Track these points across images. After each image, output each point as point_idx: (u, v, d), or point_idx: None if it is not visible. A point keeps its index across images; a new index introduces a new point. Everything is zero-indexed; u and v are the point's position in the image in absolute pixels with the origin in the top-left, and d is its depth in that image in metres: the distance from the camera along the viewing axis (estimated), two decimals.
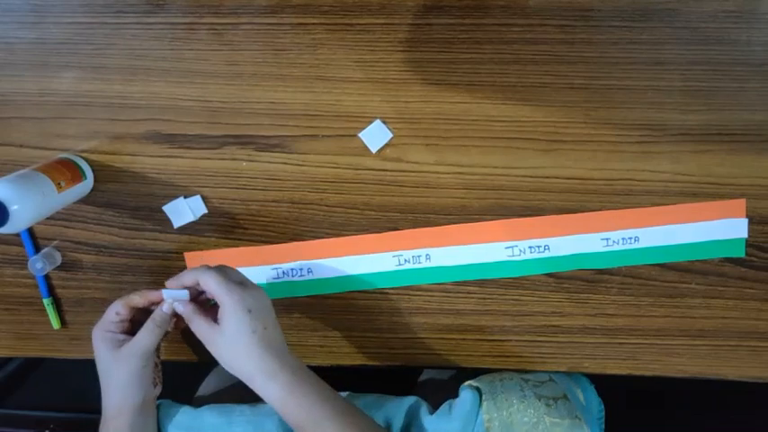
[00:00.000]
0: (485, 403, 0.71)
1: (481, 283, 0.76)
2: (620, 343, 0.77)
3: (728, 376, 0.77)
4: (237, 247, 0.76)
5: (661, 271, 0.74)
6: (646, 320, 0.76)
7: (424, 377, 0.90)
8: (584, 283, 0.75)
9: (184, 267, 0.77)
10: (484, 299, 0.76)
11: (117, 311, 0.68)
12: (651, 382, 0.79)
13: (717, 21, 0.66)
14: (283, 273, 0.76)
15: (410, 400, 0.73)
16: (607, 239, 0.73)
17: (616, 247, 0.73)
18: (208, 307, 0.68)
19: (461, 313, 0.77)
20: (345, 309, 0.77)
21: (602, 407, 0.77)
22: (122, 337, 0.68)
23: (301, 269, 0.76)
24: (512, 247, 0.74)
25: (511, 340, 0.78)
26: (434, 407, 0.73)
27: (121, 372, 0.68)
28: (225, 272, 0.65)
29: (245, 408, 0.72)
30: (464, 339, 0.78)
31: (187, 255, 0.76)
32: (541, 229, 0.73)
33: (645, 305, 0.75)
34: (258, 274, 0.76)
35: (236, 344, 0.63)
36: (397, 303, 0.77)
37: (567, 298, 0.76)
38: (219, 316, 0.63)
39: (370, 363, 0.79)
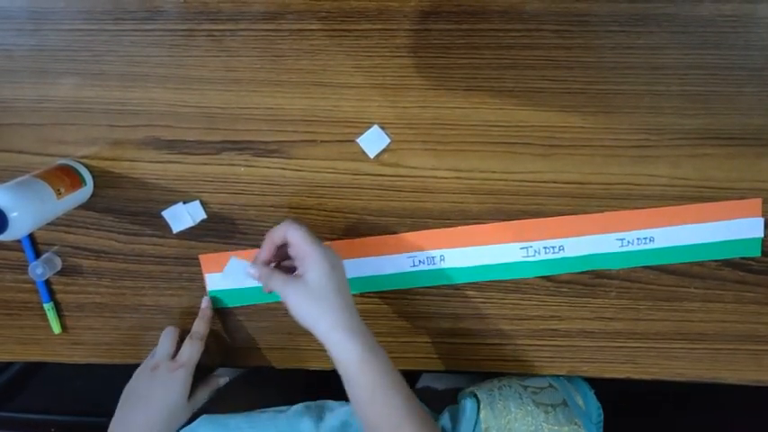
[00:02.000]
0: (483, 411, 0.71)
1: (480, 286, 0.76)
2: (618, 346, 0.77)
3: (727, 380, 0.77)
4: (235, 251, 0.76)
5: (659, 275, 0.74)
6: (644, 324, 0.76)
7: (420, 384, 0.90)
8: (583, 287, 0.75)
9: (184, 272, 0.77)
10: (483, 303, 0.76)
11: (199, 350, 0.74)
12: (650, 386, 0.79)
13: (714, 25, 0.66)
14: None
15: None
16: (622, 240, 0.73)
17: (631, 248, 0.73)
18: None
19: (461, 317, 0.77)
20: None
21: (601, 412, 0.77)
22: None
23: None
24: (526, 247, 0.74)
25: (510, 344, 0.78)
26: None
27: (180, 395, 0.72)
28: (307, 229, 0.65)
29: (240, 420, 0.72)
30: (463, 343, 0.78)
31: (202, 257, 0.77)
32: (555, 230, 0.73)
33: (644, 309, 0.75)
34: None
35: (319, 295, 0.63)
36: (396, 307, 0.77)
37: (566, 302, 0.76)
38: (302, 269, 0.64)
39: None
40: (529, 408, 0.71)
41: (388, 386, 0.62)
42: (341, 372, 0.63)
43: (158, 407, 0.71)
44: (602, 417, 0.76)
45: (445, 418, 0.72)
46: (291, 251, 0.66)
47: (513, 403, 0.72)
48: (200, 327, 0.76)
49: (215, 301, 0.77)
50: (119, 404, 0.73)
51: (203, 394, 0.76)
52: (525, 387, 0.75)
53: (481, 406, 0.71)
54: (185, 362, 0.73)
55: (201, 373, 0.76)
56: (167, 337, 0.76)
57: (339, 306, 0.63)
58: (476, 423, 0.70)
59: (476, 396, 0.73)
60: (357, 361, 0.62)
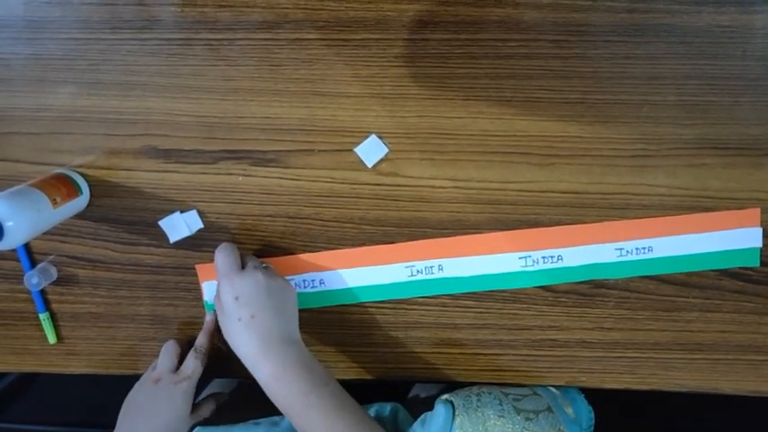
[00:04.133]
0: (458, 418, 0.69)
1: (478, 296, 0.75)
2: (617, 357, 0.77)
3: (726, 390, 0.77)
4: None
5: (658, 285, 0.74)
6: (643, 334, 0.76)
7: (412, 393, 0.89)
8: (582, 297, 0.75)
9: (180, 282, 0.77)
10: (481, 313, 0.76)
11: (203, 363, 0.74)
12: (647, 396, 0.78)
13: (712, 36, 0.66)
14: (295, 284, 0.76)
15: (391, 405, 0.74)
16: (620, 249, 0.73)
17: (629, 258, 0.73)
18: None
19: (458, 327, 0.77)
20: (340, 323, 0.77)
21: (593, 416, 0.76)
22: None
23: (313, 280, 0.76)
24: (525, 257, 0.74)
25: (508, 354, 0.77)
26: None
27: (183, 408, 0.72)
28: (230, 255, 0.69)
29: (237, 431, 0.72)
30: (461, 354, 0.78)
31: (198, 267, 0.76)
32: (554, 240, 0.73)
33: (642, 319, 0.75)
34: None
35: (225, 327, 0.67)
36: (393, 317, 0.77)
37: (565, 312, 0.76)
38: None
39: (366, 377, 0.79)
40: (509, 414, 0.70)
41: (301, 410, 0.63)
42: None
43: (161, 420, 0.71)
44: (593, 421, 0.76)
45: (419, 424, 0.71)
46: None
47: (492, 410, 0.70)
48: (204, 340, 0.75)
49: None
50: (119, 416, 0.72)
51: (207, 409, 0.76)
52: (506, 394, 0.74)
53: (457, 413, 0.70)
54: (189, 375, 0.72)
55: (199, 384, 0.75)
56: (169, 351, 0.75)
57: (243, 339, 0.66)
58: (450, 429, 0.69)
59: (451, 402, 0.72)
60: (266, 389, 0.65)
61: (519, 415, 0.69)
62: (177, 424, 0.71)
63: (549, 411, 0.72)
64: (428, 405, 0.73)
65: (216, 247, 0.74)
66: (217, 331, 0.75)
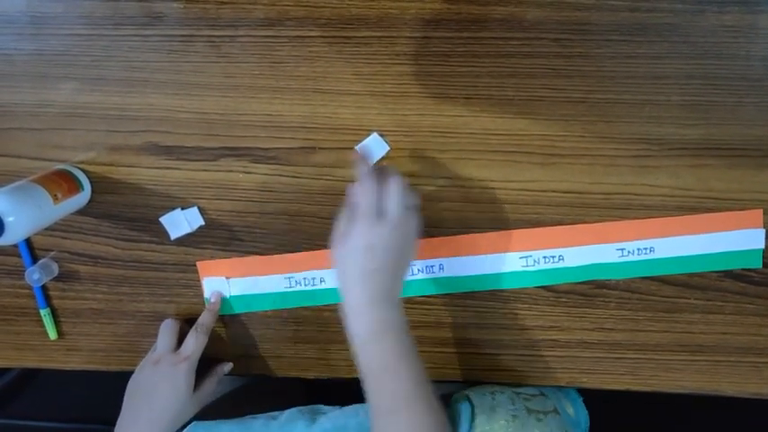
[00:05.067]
0: (477, 417, 0.70)
1: (479, 296, 0.75)
2: (618, 358, 0.76)
3: (727, 392, 0.76)
4: (232, 258, 0.75)
5: (660, 286, 0.74)
6: (644, 335, 0.75)
7: None
8: (583, 298, 0.75)
9: (181, 278, 0.77)
10: (481, 312, 0.76)
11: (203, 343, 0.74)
12: (642, 395, 0.78)
13: (716, 35, 0.66)
14: (296, 282, 0.76)
15: None
16: (622, 250, 0.73)
17: (631, 258, 0.73)
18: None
19: (459, 326, 0.77)
20: (341, 321, 0.77)
21: (588, 419, 0.76)
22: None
23: (314, 278, 0.76)
24: (526, 257, 0.74)
25: (508, 354, 0.77)
26: None
27: (184, 388, 0.71)
28: (373, 194, 0.63)
29: (232, 426, 0.72)
30: (461, 353, 0.77)
31: (199, 263, 0.76)
32: (555, 240, 0.73)
33: (643, 320, 0.75)
34: (271, 283, 0.76)
35: (343, 267, 0.63)
36: None
37: (566, 312, 0.75)
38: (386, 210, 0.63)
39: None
40: (521, 414, 0.70)
41: (390, 369, 0.60)
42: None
43: (163, 401, 0.71)
44: (589, 423, 0.76)
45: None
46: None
47: (506, 409, 0.71)
48: (206, 319, 0.75)
49: None
50: (124, 400, 0.73)
51: (209, 385, 0.75)
52: (518, 393, 0.75)
53: (477, 411, 0.71)
54: (189, 355, 0.72)
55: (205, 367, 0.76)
56: (167, 330, 0.75)
57: (356, 288, 0.62)
58: (470, 427, 0.69)
59: (469, 400, 0.72)
60: (354, 343, 0.62)
61: (530, 415, 0.70)
62: (179, 404, 0.71)
63: (556, 413, 0.72)
64: None
65: (217, 245, 0.74)
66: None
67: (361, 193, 0.63)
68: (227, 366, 0.78)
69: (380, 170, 0.66)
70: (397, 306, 0.63)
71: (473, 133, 0.70)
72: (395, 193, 0.63)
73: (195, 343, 0.73)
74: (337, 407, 0.74)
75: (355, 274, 0.62)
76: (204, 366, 0.75)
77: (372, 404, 0.60)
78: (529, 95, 0.69)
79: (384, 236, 0.62)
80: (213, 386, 0.76)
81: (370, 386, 0.61)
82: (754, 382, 0.76)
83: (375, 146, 0.70)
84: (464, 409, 0.71)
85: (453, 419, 0.71)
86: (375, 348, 0.61)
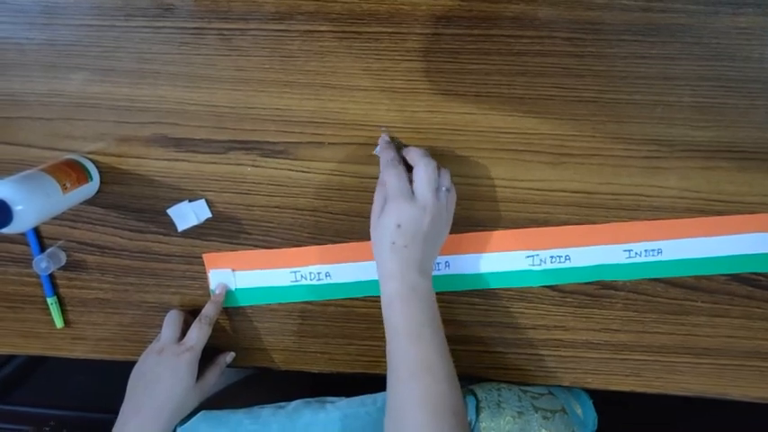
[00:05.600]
0: (483, 411, 0.70)
1: (484, 294, 0.75)
2: (623, 359, 0.76)
3: (732, 396, 0.76)
4: (239, 251, 0.76)
5: (666, 287, 0.73)
6: (650, 337, 0.75)
7: None
8: (589, 298, 0.75)
9: (187, 270, 0.77)
10: (487, 310, 0.76)
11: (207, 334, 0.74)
12: (647, 398, 0.78)
13: (729, 37, 0.65)
14: (302, 276, 0.76)
15: None
16: (629, 251, 0.72)
17: (638, 259, 0.72)
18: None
19: (464, 324, 0.76)
20: (346, 316, 0.77)
21: (596, 421, 0.76)
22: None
23: (320, 273, 0.76)
24: (533, 256, 0.73)
25: (513, 353, 0.77)
26: None
27: (187, 378, 0.72)
28: (402, 177, 0.65)
29: (241, 416, 0.72)
30: (466, 350, 0.77)
31: (206, 256, 0.76)
32: (562, 240, 0.73)
33: (649, 321, 0.75)
34: (277, 277, 0.76)
35: (378, 240, 0.66)
36: None
37: (571, 312, 0.75)
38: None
39: (370, 371, 0.79)
40: (528, 412, 0.71)
41: (414, 334, 0.62)
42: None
43: (166, 391, 0.71)
44: (597, 425, 0.76)
45: None
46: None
47: (513, 406, 0.71)
48: (210, 310, 0.75)
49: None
50: (127, 389, 0.73)
51: (212, 376, 0.75)
52: (525, 391, 0.75)
53: (481, 405, 0.71)
54: (193, 345, 0.72)
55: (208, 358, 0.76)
56: (172, 321, 0.75)
57: (386, 258, 0.64)
58: (476, 423, 0.69)
59: (474, 395, 0.72)
60: (383, 305, 0.64)
61: (537, 413, 0.70)
62: (182, 394, 0.71)
63: (564, 412, 0.72)
64: None
65: (224, 237, 0.75)
66: (218, 319, 0.76)
67: (391, 176, 0.65)
68: (230, 356, 0.78)
69: (410, 152, 0.67)
70: (427, 276, 0.65)
71: (482, 131, 0.70)
72: (423, 177, 0.65)
73: (199, 334, 0.73)
74: (344, 397, 0.75)
75: (386, 249, 0.64)
76: (207, 357, 0.75)
77: (392, 368, 0.62)
78: (539, 94, 0.68)
79: (414, 216, 0.64)
80: (216, 376, 0.76)
81: (393, 349, 0.63)
82: (758, 386, 0.76)
83: None
84: (469, 403, 0.71)
85: None
86: (401, 310, 0.63)
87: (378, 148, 0.70)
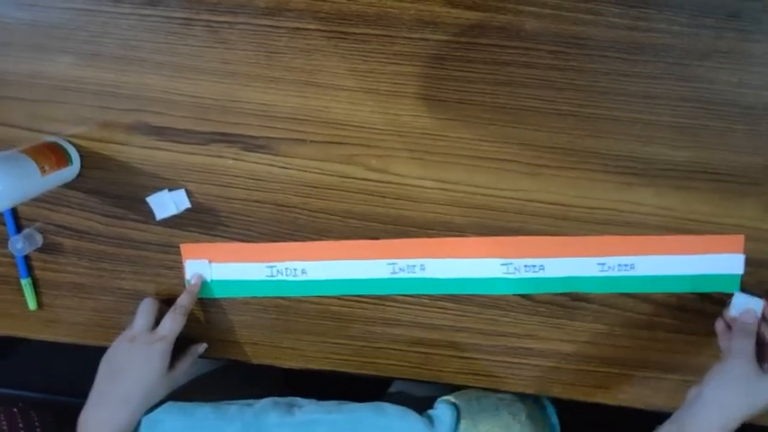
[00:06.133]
0: (463, 421, 0.71)
1: (457, 299, 0.76)
2: (591, 371, 0.77)
3: None
4: (216, 242, 0.76)
5: (637, 302, 0.74)
6: (618, 350, 0.76)
7: (394, 389, 0.89)
8: (560, 309, 0.75)
9: (164, 259, 0.77)
10: (459, 316, 0.76)
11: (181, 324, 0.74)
12: (612, 410, 0.79)
13: (710, 60, 0.66)
14: (278, 271, 0.76)
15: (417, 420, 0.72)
16: (603, 264, 0.73)
17: (611, 273, 0.73)
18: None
19: (436, 328, 0.77)
20: (320, 314, 0.78)
21: (559, 429, 0.78)
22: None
23: (296, 269, 0.76)
24: (507, 264, 0.74)
25: (483, 359, 0.78)
26: None
27: (158, 368, 0.72)
28: None
29: (207, 410, 0.72)
30: (436, 354, 0.78)
31: (183, 246, 0.77)
32: (537, 249, 0.73)
33: (618, 335, 0.75)
34: (253, 271, 0.76)
35: (734, 392, 0.65)
36: (372, 313, 0.77)
37: (543, 322, 0.76)
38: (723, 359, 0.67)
39: (340, 369, 0.80)
40: (504, 419, 0.71)
41: None
42: None
43: (136, 379, 0.71)
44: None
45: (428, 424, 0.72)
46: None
47: (490, 414, 0.72)
48: (185, 300, 0.75)
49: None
50: (97, 374, 0.73)
51: (184, 365, 0.76)
52: (501, 399, 0.76)
53: (462, 415, 0.71)
54: (165, 335, 0.72)
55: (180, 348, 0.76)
56: (146, 309, 0.75)
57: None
58: (453, 430, 0.70)
59: (455, 405, 0.73)
60: None
61: (513, 419, 0.71)
62: (152, 383, 0.71)
63: (536, 419, 0.73)
64: (411, 402, 0.73)
65: (202, 228, 0.75)
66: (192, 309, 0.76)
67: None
68: (202, 347, 0.78)
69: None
70: None
71: (463, 138, 0.70)
72: None
73: (172, 323, 0.73)
74: (314, 400, 0.75)
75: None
76: (179, 347, 0.75)
77: None
78: (521, 105, 0.69)
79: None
80: (187, 366, 0.76)
81: None
82: None
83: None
84: (449, 413, 0.71)
85: (436, 423, 0.71)
86: None
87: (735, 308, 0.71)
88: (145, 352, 0.71)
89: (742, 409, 0.63)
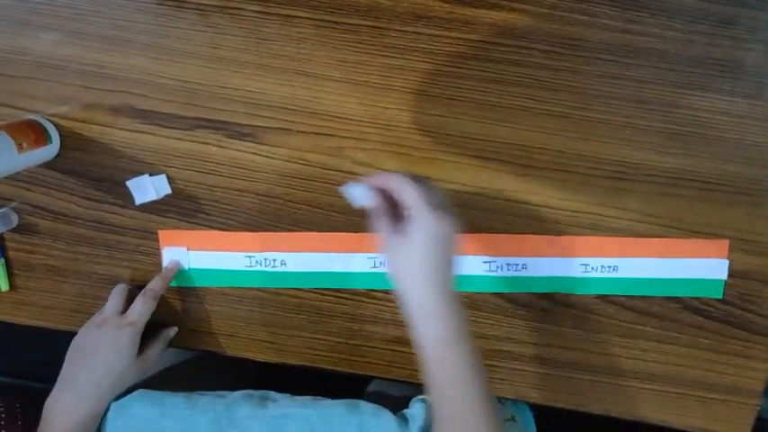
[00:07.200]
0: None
1: None
2: (569, 377, 0.76)
3: (673, 424, 0.76)
4: (196, 230, 0.75)
5: (619, 310, 0.74)
6: (598, 357, 0.75)
7: (372, 388, 0.88)
8: (542, 313, 0.75)
9: (141, 245, 0.76)
10: None
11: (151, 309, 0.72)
12: (590, 417, 0.78)
13: (703, 67, 0.66)
14: (257, 262, 0.75)
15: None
16: (586, 265, 0.73)
17: (594, 274, 0.73)
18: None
19: None
20: (298, 307, 0.76)
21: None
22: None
23: (275, 260, 0.75)
24: (490, 262, 0.73)
25: None
26: None
27: (126, 353, 0.70)
28: (427, 189, 0.58)
29: (178, 400, 0.71)
30: (413, 354, 0.76)
31: (161, 232, 0.75)
32: (520, 248, 0.73)
33: (599, 342, 0.75)
34: (231, 260, 0.75)
35: (417, 266, 0.57)
36: (350, 309, 0.76)
37: (523, 325, 0.75)
38: (409, 231, 0.57)
39: (317, 365, 0.78)
40: None
41: (464, 385, 0.57)
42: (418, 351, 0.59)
43: (104, 364, 0.69)
44: None
45: (393, 421, 0.70)
46: (403, 205, 0.59)
47: None
48: (156, 284, 0.74)
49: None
50: (65, 359, 0.71)
51: (154, 350, 0.74)
52: None
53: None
54: (135, 320, 0.71)
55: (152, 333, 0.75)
56: (118, 294, 0.74)
57: (433, 286, 0.57)
58: (425, 429, 0.69)
59: (429, 404, 0.72)
60: (434, 348, 0.58)
61: None
62: (121, 369, 0.70)
63: (513, 420, 0.72)
64: (388, 402, 0.72)
65: (182, 215, 0.74)
66: (167, 298, 0.75)
67: (412, 192, 0.58)
68: (173, 331, 0.77)
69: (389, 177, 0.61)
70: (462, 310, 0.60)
71: (451, 135, 0.69)
72: (430, 187, 0.59)
73: (143, 308, 0.71)
74: (288, 395, 0.74)
75: (429, 272, 0.57)
76: (151, 332, 0.74)
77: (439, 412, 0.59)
78: (512, 104, 0.68)
79: (447, 227, 0.57)
80: (158, 352, 0.75)
81: (437, 399, 0.59)
82: (700, 416, 0.76)
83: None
84: (420, 411, 0.70)
85: (408, 421, 0.70)
86: (457, 349, 0.58)
87: (349, 188, 0.62)
88: (113, 336, 0.70)
89: (420, 278, 0.57)
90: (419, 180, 0.59)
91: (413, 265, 0.58)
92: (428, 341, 0.58)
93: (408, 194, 0.58)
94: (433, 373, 0.58)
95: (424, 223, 0.57)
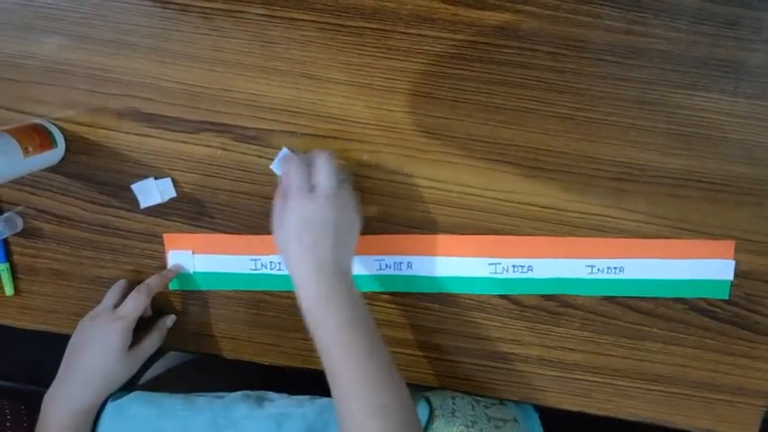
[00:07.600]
0: (437, 420, 0.70)
1: (443, 300, 0.75)
2: (575, 379, 0.76)
3: (679, 425, 0.76)
4: (201, 233, 0.75)
5: (625, 311, 0.73)
6: (604, 359, 0.75)
7: None
8: (547, 315, 0.74)
9: (146, 249, 0.76)
10: (443, 318, 0.75)
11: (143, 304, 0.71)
12: (596, 419, 0.78)
13: (706, 68, 0.66)
14: (262, 264, 0.75)
15: None
16: (592, 267, 0.72)
17: (600, 276, 0.72)
18: None
19: (418, 329, 0.76)
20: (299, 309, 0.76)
21: None
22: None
23: (281, 263, 0.75)
24: (495, 263, 0.73)
25: (466, 363, 0.77)
26: None
27: (115, 348, 0.70)
28: (303, 171, 0.64)
29: (175, 401, 0.70)
30: (417, 356, 0.77)
31: (166, 236, 0.75)
32: (526, 250, 0.72)
33: (605, 344, 0.75)
34: (237, 263, 0.75)
35: (284, 242, 0.64)
36: None
37: (528, 327, 0.75)
38: (285, 209, 0.64)
39: (319, 368, 0.78)
40: (481, 421, 0.70)
41: (328, 347, 0.60)
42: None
43: (94, 359, 0.69)
44: None
45: None
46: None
47: (466, 414, 0.71)
48: (153, 281, 0.73)
49: (175, 282, 0.76)
50: (63, 357, 0.71)
51: (150, 342, 0.73)
52: (478, 401, 0.74)
53: (436, 413, 0.70)
54: (125, 315, 0.70)
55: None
56: (116, 289, 0.74)
57: (297, 259, 0.63)
58: (427, 428, 0.69)
59: (429, 402, 0.72)
60: (305, 314, 0.62)
61: (489, 422, 0.70)
62: (111, 363, 0.69)
63: (515, 422, 0.72)
64: None
65: (187, 219, 0.73)
66: (168, 301, 0.74)
67: (291, 174, 0.64)
68: (171, 319, 0.76)
69: (308, 153, 0.67)
70: (345, 279, 0.63)
71: (456, 137, 0.69)
72: (323, 168, 0.64)
73: (135, 303, 0.71)
74: (285, 395, 0.73)
75: (296, 249, 0.63)
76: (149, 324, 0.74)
77: (331, 384, 0.60)
78: (517, 105, 0.68)
79: (317, 208, 0.63)
80: (154, 343, 0.74)
81: (325, 366, 0.60)
82: (706, 418, 0.76)
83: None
84: (422, 410, 0.70)
85: None
86: (319, 316, 0.61)
87: (275, 161, 0.70)
88: (103, 330, 0.70)
89: (289, 249, 0.63)
90: (320, 159, 0.64)
91: (284, 241, 0.64)
92: (302, 308, 0.62)
93: (291, 173, 0.64)
94: (314, 339, 0.61)
95: (291, 203, 0.63)
